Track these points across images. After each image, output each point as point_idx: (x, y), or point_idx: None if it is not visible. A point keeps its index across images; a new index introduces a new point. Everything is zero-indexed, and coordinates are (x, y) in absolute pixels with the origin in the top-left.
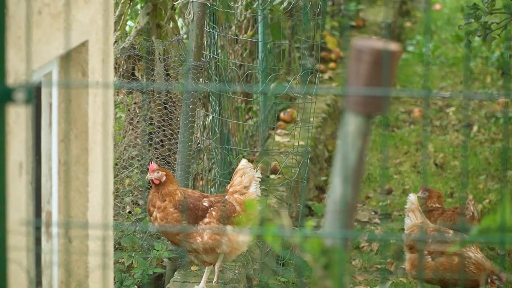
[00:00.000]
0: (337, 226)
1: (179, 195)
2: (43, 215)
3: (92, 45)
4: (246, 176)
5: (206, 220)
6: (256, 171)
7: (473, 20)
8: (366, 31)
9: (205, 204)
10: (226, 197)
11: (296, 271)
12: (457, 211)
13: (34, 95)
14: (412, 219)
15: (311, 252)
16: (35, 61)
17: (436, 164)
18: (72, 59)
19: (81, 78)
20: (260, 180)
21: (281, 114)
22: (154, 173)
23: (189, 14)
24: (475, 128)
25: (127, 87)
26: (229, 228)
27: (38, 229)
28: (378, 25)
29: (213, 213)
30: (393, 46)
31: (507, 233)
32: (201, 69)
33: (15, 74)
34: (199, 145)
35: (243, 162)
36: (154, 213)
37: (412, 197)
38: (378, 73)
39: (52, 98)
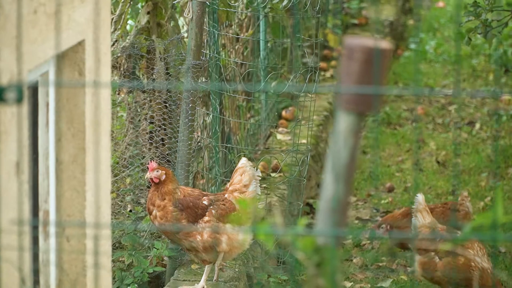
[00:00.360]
0: (329, 225)
1: (179, 193)
2: (40, 214)
3: (89, 44)
4: (246, 174)
5: (206, 218)
6: (256, 170)
7: (473, 18)
8: (369, 29)
9: (205, 202)
10: (226, 195)
11: (289, 269)
12: (447, 207)
13: (26, 94)
14: (420, 220)
15: (304, 250)
16: (31, 61)
17: (438, 162)
18: (69, 58)
19: (78, 78)
20: (260, 178)
21: (283, 112)
22: (154, 172)
23: (188, 13)
24: (477, 125)
25: (124, 86)
26: (228, 226)
27: (35, 228)
28: (381, 23)
29: (213, 211)
30: (385, 44)
31: (499, 231)
32: (200, 68)
33: (10, 73)
34: (199, 143)
35: (243, 160)
36: (154, 211)
37: (420, 197)
38: (369, 71)
39: (49, 98)
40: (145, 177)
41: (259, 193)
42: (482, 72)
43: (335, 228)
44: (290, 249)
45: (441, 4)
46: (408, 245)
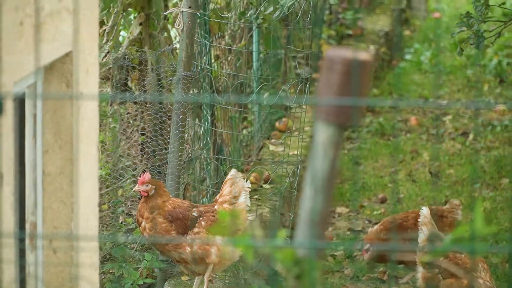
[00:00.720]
0: (309, 237)
1: (169, 206)
2: (27, 226)
3: (77, 56)
4: (235, 186)
5: (196, 230)
6: (246, 181)
7: (465, 28)
8: (364, 39)
9: (195, 214)
10: (216, 207)
11: (271, 282)
12: (433, 212)
13: (12, 106)
14: (425, 233)
15: (283, 262)
16: (17, 72)
17: (431, 173)
18: (56, 69)
19: (66, 89)
20: (249, 189)
21: (276, 124)
22: (143, 186)
23: (179, 24)
24: (471, 136)
25: (111, 98)
26: (218, 238)
27: (22, 240)
28: (376, 34)
29: (203, 223)
30: (365, 55)
31: (478, 242)
32: (191, 79)
33: None
34: (189, 155)
35: (233, 172)
36: (143, 223)
37: (425, 211)
38: (350, 83)
39: (36, 109)
40: (133, 189)
41: (249, 205)
42: (476, 83)
43: (314, 240)
44: (268, 261)
45: (437, 14)
46: (388, 258)
